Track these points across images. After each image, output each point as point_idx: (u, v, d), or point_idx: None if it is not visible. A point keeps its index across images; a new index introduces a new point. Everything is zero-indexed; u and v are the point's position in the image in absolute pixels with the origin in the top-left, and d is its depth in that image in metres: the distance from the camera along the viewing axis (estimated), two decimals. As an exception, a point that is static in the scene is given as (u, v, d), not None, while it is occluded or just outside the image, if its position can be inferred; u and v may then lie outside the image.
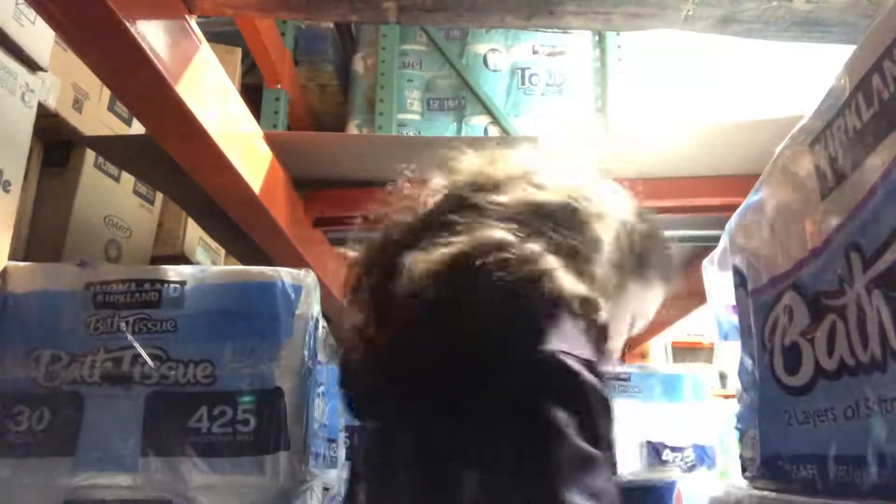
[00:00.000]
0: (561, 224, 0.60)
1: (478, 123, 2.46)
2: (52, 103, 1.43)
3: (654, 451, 1.83)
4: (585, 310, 0.55)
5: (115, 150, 1.58)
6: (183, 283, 1.14)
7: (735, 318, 0.80)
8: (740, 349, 0.78)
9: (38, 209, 1.54)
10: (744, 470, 0.76)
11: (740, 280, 0.77)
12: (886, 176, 0.50)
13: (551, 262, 0.55)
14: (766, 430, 0.70)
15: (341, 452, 1.50)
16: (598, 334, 0.56)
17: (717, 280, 0.86)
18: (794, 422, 0.64)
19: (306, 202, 1.56)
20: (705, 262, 0.90)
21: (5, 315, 1.10)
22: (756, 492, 0.71)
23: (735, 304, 0.80)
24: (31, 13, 1.22)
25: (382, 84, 2.50)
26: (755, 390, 0.74)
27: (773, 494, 0.66)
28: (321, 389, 1.26)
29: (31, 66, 1.28)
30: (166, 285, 1.13)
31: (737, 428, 0.79)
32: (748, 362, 0.76)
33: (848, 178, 0.55)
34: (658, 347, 2.67)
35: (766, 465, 0.69)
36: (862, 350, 0.54)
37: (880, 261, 0.51)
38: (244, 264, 1.80)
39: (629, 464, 1.82)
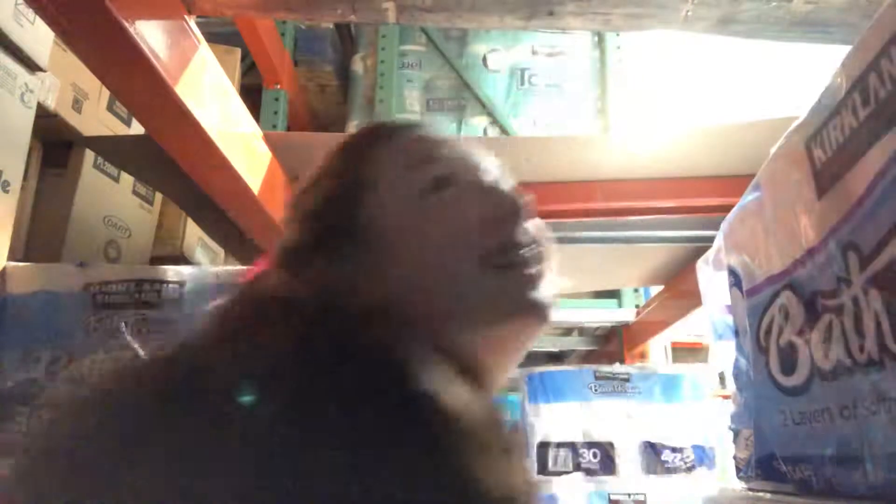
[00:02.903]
0: None
1: (477, 124, 2.46)
2: (51, 104, 1.43)
3: (654, 452, 1.83)
4: None
5: (114, 150, 1.59)
6: (182, 284, 1.14)
7: (730, 318, 0.80)
8: (735, 349, 0.78)
9: (38, 209, 1.54)
10: (738, 470, 0.76)
11: (735, 280, 0.77)
12: (883, 174, 0.50)
13: None
14: (762, 430, 0.70)
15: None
16: None
17: (712, 280, 0.86)
18: (789, 422, 0.64)
19: (306, 202, 1.56)
20: (700, 262, 0.90)
21: (5, 315, 1.11)
22: (751, 493, 0.70)
23: (730, 303, 0.80)
24: (31, 13, 1.23)
25: (382, 84, 2.50)
26: (750, 390, 0.73)
27: (768, 495, 0.66)
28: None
29: (31, 66, 1.28)
30: (166, 285, 1.13)
31: (731, 428, 0.79)
32: (742, 362, 0.75)
33: (844, 177, 0.55)
34: (658, 347, 2.67)
35: (761, 465, 0.69)
36: (859, 350, 0.53)
37: (877, 260, 0.51)
38: (244, 264, 1.80)
39: (629, 464, 1.82)
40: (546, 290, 0.51)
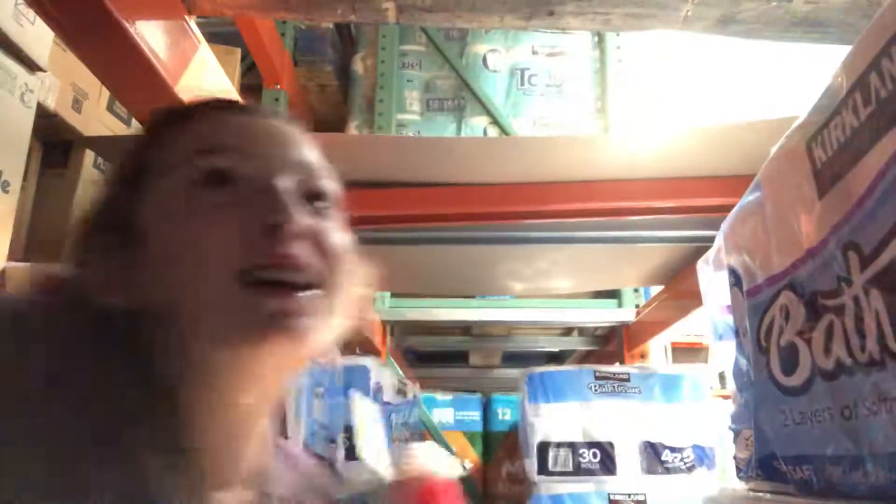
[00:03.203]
0: None
1: (477, 124, 2.47)
2: (51, 104, 1.43)
3: (654, 452, 1.83)
4: None
5: (114, 150, 1.59)
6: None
7: (730, 319, 0.80)
8: (735, 349, 0.78)
9: (38, 209, 1.54)
10: (739, 470, 0.76)
11: (735, 280, 0.77)
12: (884, 174, 0.50)
13: None
14: (762, 430, 0.70)
15: (341, 453, 1.51)
16: None
17: (713, 280, 0.86)
18: (790, 422, 0.64)
19: (306, 202, 1.56)
20: (700, 262, 0.90)
21: (4, 315, 1.11)
22: (751, 493, 0.70)
23: (730, 304, 0.80)
24: (31, 13, 1.22)
25: (382, 84, 2.51)
26: (750, 390, 0.73)
27: (769, 495, 0.66)
28: (321, 390, 1.27)
29: (31, 66, 1.28)
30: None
31: (731, 428, 0.79)
32: (743, 362, 0.75)
33: (845, 176, 0.55)
34: (658, 347, 2.67)
35: (762, 465, 0.69)
36: (859, 350, 0.53)
37: (878, 260, 0.51)
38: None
39: (629, 464, 1.83)
40: (306, 309, 0.44)
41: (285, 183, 0.47)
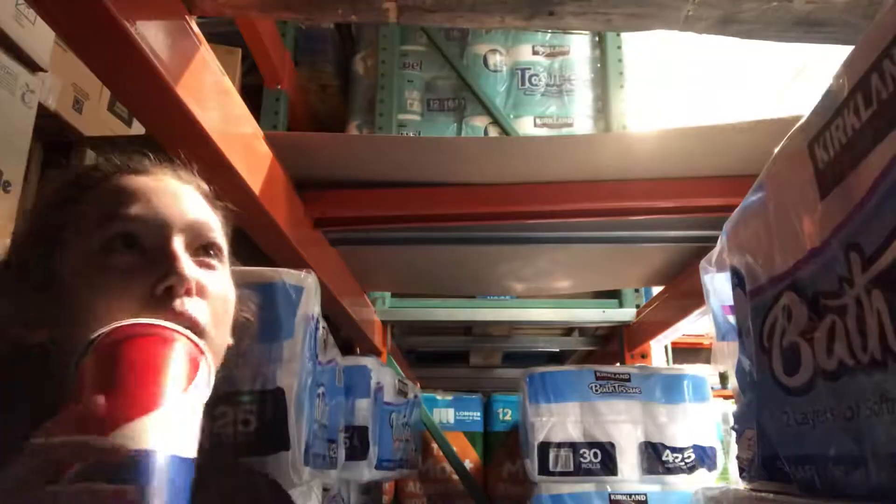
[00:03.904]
0: None
1: (478, 124, 2.46)
2: (52, 104, 1.43)
3: (654, 452, 1.83)
4: None
5: (115, 151, 1.58)
6: (183, 284, 1.14)
7: (733, 319, 0.80)
8: (738, 349, 0.78)
9: (39, 210, 1.54)
10: (741, 471, 0.76)
11: (738, 280, 0.77)
12: (885, 176, 0.50)
13: None
14: (765, 430, 0.70)
15: (341, 453, 1.50)
16: None
17: (715, 280, 0.86)
18: (792, 422, 0.64)
19: (306, 203, 1.56)
20: (703, 263, 0.90)
21: (5, 315, 1.11)
22: (754, 493, 0.70)
23: (733, 304, 0.80)
24: (31, 13, 1.23)
25: (382, 84, 2.51)
26: (753, 391, 0.73)
27: (772, 495, 0.66)
28: (321, 390, 1.27)
29: (32, 66, 1.28)
30: (166, 286, 1.13)
31: (734, 429, 0.79)
32: (746, 363, 0.76)
33: (847, 177, 0.55)
34: (658, 347, 2.67)
35: (765, 465, 0.69)
36: (861, 350, 0.54)
37: (880, 260, 0.51)
38: (244, 265, 1.80)
39: (629, 464, 1.83)
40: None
41: (178, 244, 0.56)
